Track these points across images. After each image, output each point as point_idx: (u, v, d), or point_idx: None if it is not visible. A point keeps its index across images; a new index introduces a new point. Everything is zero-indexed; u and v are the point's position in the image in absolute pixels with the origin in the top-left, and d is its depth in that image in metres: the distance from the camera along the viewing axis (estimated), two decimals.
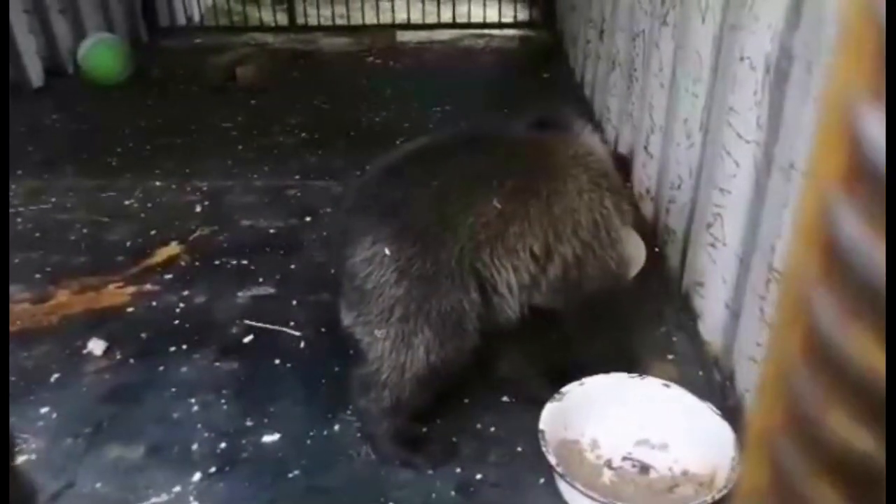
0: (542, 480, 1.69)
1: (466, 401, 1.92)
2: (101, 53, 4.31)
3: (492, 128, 1.97)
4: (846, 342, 0.18)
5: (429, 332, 1.65)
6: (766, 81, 1.71)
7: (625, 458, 1.72)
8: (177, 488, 1.70)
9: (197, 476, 1.73)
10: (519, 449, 1.78)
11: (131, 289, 2.46)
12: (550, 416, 1.66)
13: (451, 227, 1.64)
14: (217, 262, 2.60)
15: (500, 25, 5.36)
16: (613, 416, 1.74)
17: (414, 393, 1.71)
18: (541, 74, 4.37)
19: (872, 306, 0.17)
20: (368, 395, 1.74)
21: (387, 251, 1.64)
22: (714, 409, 1.68)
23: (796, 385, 0.19)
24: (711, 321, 2.03)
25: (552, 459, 1.57)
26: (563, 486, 1.60)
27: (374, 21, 5.37)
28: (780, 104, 1.63)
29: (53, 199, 3.05)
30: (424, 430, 1.67)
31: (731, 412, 1.70)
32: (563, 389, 1.73)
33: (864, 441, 0.18)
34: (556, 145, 1.82)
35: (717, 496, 1.52)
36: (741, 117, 1.84)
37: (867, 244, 0.17)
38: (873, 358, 0.18)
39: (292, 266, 2.57)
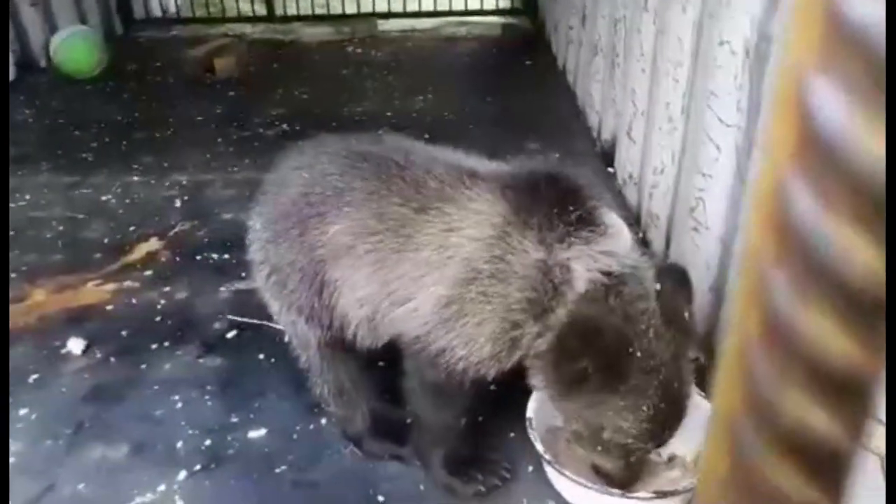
0: (530, 468, 1.70)
1: None
2: (73, 46, 4.21)
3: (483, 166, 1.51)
4: (802, 322, 0.17)
5: (298, 316, 1.57)
6: (745, 65, 1.71)
7: None
8: (162, 487, 1.68)
9: (182, 474, 1.71)
10: (507, 436, 1.78)
11: (110, 286, 2.42)
12: (538, 404, 1.66)
13: (305, 225, 1.47)
14: (198, 258, 2.57)
15: (482, 13, 5.32)
16: None
17: (331, 375, 1.64)
18: (523, 62, 4.35)
19: (827, 284, 0.16)
20: (314, 390, 1.70)
21: (258, 225, 1.60)
22: (699, 391, 1.69)
23: (754, 366, 0.19)
24: (695, 305, 2.04)
25: (540, 447, 1.57)
26: (551, 472, 1.61)
27: (355, 10, 5.30)
28: (760, 87, 1.63)
29: (28, 197, 2.98)
30: (409, 420, 1.66)
31: None
32: None
33: (819, 421, 0.17)
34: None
35: None
36: (722, 101, 1.85)
37: (819, 219, 0.16)
38: (830, 338, 0.17)
39: None
